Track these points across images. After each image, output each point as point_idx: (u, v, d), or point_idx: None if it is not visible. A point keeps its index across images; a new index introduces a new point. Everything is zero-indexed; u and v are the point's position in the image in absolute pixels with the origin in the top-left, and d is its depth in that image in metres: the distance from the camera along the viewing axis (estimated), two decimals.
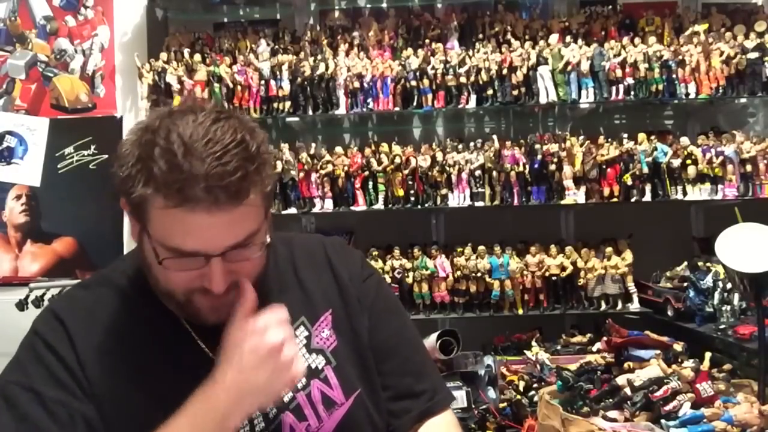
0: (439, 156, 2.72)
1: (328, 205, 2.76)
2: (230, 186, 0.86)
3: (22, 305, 2.49)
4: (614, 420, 1.72)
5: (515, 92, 2.70)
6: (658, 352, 1.91)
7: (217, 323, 0.96)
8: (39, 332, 0.99)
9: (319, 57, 2.78)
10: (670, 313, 2.53)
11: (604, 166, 2.67)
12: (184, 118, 0.89)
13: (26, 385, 0.93)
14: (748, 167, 2.64)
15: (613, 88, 2.69)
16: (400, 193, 2.73)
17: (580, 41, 2.73)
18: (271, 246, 0.99)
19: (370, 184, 2.74)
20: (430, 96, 2.73)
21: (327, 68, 2.74)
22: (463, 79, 2.72)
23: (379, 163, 2.72)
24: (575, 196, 2.67)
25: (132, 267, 1.05)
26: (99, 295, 1.03)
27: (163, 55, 2.81)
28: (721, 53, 2.67)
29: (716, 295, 2.43)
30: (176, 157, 0.85)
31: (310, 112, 2.77)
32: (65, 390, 0.93)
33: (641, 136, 2.69)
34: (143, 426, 0.88)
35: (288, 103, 2.75)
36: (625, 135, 2.70)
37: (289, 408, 1.01)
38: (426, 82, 2.72)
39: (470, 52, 2.76)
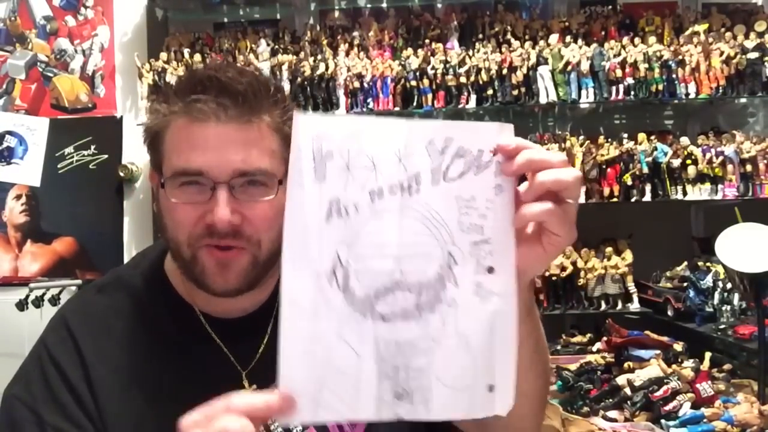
0: None
1: None
2: (239, 94, 0.86)
3: (22, 305, 2.48)
4: (614, 420, 1.72)
5: (515, 92, 2.69)
6: (658, 352, 1.92)
7: (225, 290, 0.90)
8: (47, 343, 0.95)
9: (319, 57, 2.78)
10: (670, 313, 2.52)
11: (604, 166, 2.67)
12: None
13: (29, 404, 0.91)
14: (748, 167, 2.63)
15: (613, 88, 2.69)
16: None
17: (580, 41, 2.72)
18: None
19: None
20: (430, 96, 2.72)
21: (327, 68, 2.74)
22: (463, 79, 2.71)
23: None
24: None
25: (149, 265, 1.02)
26: (113, 300, 0.99)
27: (163, 55, 2.80)
28: (721, 53, 2.66)
29: (716, 295, 2.43)
30: (194, 71, 0.94)
31: (310, 112, 2.77)
32: (67, 417, 0.90)
33: (641, 136, 2.69)
34: None
35: None
36: (625, 135, 2.69)
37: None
38: (426, 82, 2.72)
39: (470, 52, 2.75)
